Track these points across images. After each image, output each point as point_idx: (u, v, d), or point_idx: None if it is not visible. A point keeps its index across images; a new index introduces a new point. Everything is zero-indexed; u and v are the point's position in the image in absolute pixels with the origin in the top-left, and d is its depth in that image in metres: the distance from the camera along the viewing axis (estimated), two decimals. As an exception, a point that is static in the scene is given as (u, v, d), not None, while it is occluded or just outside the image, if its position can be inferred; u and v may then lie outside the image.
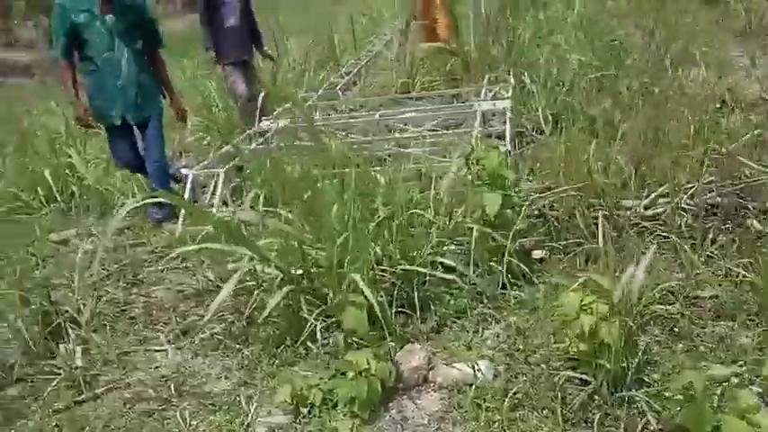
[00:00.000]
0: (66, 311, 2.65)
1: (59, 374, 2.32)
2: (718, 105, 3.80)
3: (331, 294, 2.22)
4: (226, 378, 2.25)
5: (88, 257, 3.40)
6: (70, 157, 4.73)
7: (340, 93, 5.70)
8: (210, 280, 2.89)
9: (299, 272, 2.26)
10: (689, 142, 3.23)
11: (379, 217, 2.37)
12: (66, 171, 4.69)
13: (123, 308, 2.90)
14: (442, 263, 2.40)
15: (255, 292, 2.32)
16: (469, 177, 2.46)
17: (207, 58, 5.10)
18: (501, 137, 3.85)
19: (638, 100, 3.99)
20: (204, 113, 5.53)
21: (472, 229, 2.34)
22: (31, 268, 3.53)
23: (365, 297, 2.03)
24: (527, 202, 2.55)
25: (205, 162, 3.92)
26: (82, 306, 2.64)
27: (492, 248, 2.39)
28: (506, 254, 2.32)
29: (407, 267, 2.29)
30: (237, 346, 2.38)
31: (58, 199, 4.51)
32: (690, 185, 2.69)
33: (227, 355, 2.37)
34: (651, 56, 4.76)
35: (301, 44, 8.21)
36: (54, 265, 3.52)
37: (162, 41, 3.93)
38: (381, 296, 2.18)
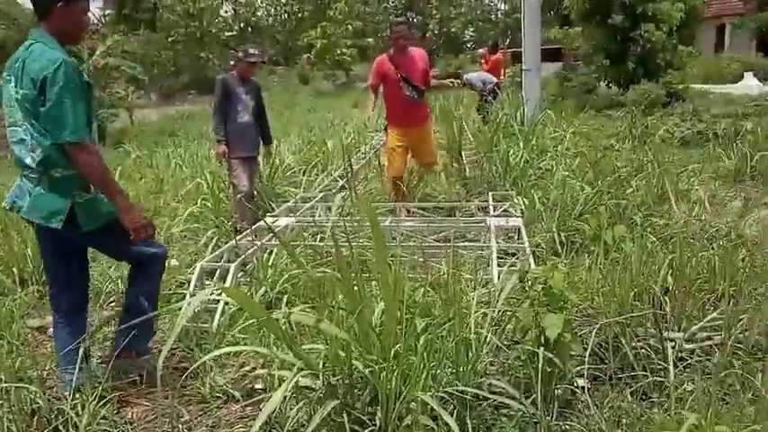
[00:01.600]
0: (61, 411, 2.33)
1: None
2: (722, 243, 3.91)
3: (381, 414, 2.02)
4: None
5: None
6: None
7: (339, 197, 5.67)
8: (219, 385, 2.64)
9: (346, 384, 2.06)
10: (709, 277, 3.28)
11: (430, 329, 2.22)
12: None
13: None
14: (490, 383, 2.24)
15: (297, 406, 2.09)
16: (524, 295, 2.36)
17: (218, 150, 5.10)
18: (515, 254, 3.84)
19: (648, 231, 4.09)
20: (200, 203, 5.38)
21: (528, 350, 2.22)
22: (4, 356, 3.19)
23: (433, 420, 1.84)
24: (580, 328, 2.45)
25: (214, 255, 3.74)
26: (80, 408, 2.33)
27: (546, 374, 2.25)
28: (564, 381, 2.19)
29: (462, 388, 2.12)
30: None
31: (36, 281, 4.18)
32: (735, 320, 2.65)
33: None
34: (650, 189, 4.96)
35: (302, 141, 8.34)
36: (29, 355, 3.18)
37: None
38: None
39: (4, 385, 2.36)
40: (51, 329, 3.57)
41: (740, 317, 2.64)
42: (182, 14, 27.27)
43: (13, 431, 2.26)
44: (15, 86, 2.37)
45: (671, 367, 2.12)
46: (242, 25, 34.51)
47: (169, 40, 28.70)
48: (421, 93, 5.48)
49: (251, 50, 5.11)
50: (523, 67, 9.67)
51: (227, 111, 5.00)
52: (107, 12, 36.84)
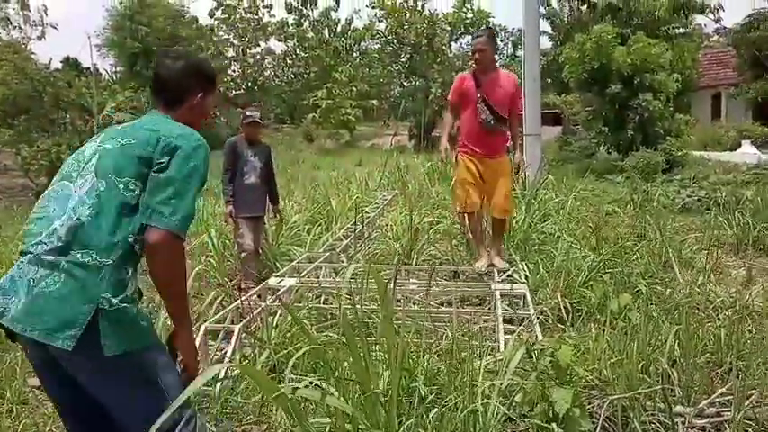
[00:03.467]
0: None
1: None
2: (728, 314, 3.91)
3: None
4: None
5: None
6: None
7: (344, 257, 5.71)
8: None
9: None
10: (716, 349, 3.27)
11: (438, 400, 2.20)
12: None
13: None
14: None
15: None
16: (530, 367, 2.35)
17: (225, 210, 5.22)
18: (521, 321, 3.83)
19: (653, 300, 4.10)
20: (204, 260, 5.41)
21: (537, 424, 2.19)
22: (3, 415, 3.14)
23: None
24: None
25: (218, 316, 3.73)
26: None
27: (555, 449, 2.21)
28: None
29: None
30: None
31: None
32: (745, 396, 2.62)
33: None
34: (653, 256, 4.99)
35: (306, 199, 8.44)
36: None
37: None
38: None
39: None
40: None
41: (749, 392, 2.61)
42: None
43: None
44: (111, 140, 1.82)
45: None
46: (249, 84, 35.36)
47: (178, 97, 29.43)
48: (499, 120, 4.91)
49: (248, 112, 5.26)
50: (525, 133, 9.86)
51: (235, 172, 5.13)
52: (118, 68, 37.96)
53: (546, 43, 21.34)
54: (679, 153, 13.06)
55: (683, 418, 2.61)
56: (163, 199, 1.67)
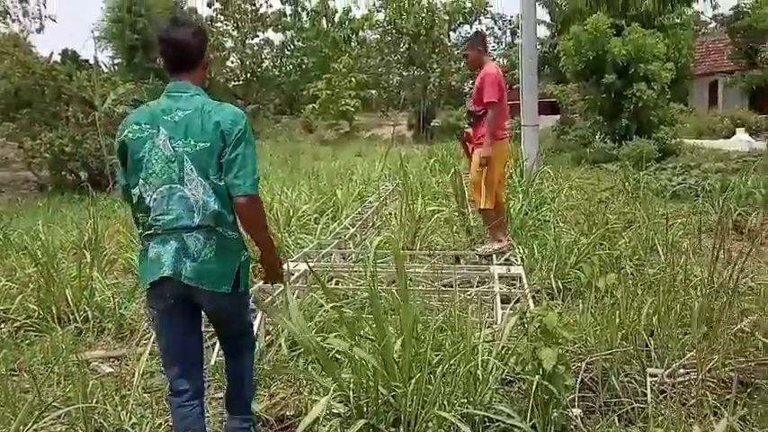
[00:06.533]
0: None
1: None
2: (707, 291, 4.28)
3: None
4: None
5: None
6: (92, 279, 4.83)
7: (351, 244, 6.09)
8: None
9: (372, 407, 2.42)
10: (690, 321, 3.65)
11: (444, 362, 2.59)
12: (84, 293, 4.74)
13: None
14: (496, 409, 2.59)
15: (329, 424, 2.44)
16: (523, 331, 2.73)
17: None
18: (518, 299, 4.21)
19: (637, 279, 4.48)
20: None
21: (527, 379, 2.58)
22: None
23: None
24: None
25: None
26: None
27: (544, 402, 2.60)
28: (559, 408, 2.54)
29: (472, 411, 2.47)
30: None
31: (76, 319, 4.53)
32: (709, 359, 3.01)
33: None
34: (640, 240, 5.37)
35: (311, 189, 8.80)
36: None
37: None
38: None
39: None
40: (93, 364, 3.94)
41: (712, 357, 3.00)
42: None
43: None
44: (182, 141, 2.27)
45: (649, 397, 2.47)
46: (248, 75, 35.62)
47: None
48: (470, 113, 5.54)
49: None
50: (522, 123, 10.22)
51: None
52: (116, 60, 38.10)
53: (545, 32, 21.62)
54: (672, 141, 13.43)
55: (656, 378, 2.99)
56: (236, 174, 2.26)
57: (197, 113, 2.29)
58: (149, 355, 3.62)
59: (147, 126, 2.30)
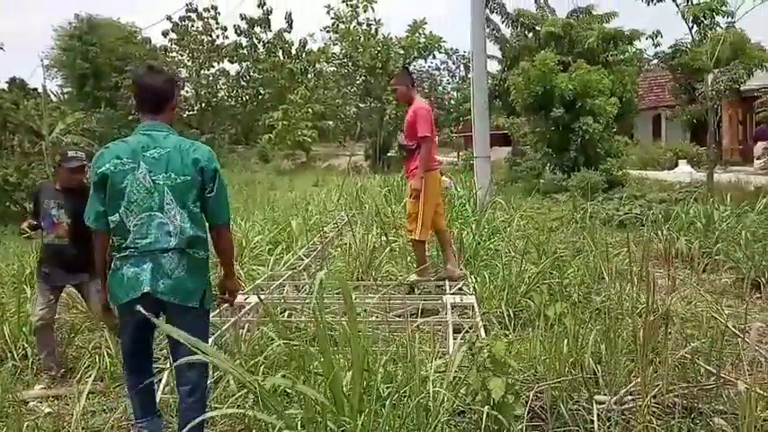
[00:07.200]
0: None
1: None
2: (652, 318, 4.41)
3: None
4: None
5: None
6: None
7: (305, 275, 6.03)
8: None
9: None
10: (635, 348, 3.74)
11: (395, 394, 2.57)
12: (24, 329, 4.53)
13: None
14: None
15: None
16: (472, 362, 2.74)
17: None
18: (470, 329, 4.24)
19: (585, 307, 4.58)
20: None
21: (477, 410, 2.58)
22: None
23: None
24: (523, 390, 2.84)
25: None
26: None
27: (494, 431, 2.61)
28: (509, 437, 2.54)
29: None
30: None
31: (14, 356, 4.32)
32: (653, 386, 3.08)
33: None
34: (588, 269, 5.50)
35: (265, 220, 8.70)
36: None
37: None
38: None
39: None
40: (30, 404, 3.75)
41: (656, 383, 3.07)
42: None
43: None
44: (163, 174, 2.58)
45: (596, 425, 2.51)
46: (203, 105, 35.34)
47: (129, 118, 29.13)
48: (403, 147, 5.72)
49: (70, 153, 4.22)
50: (475, 155, 10.43)
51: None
52: (66, 89, 37.29)
53: (496, 67, 22.22)
54: (618, 173, 13.89)
55: (603, 406, 3.04)
56: (217, 206, 2.70)
57: (176, 151, 2.62)
58: (90, 393, 3.48)
59: (129, 160, 2.60)
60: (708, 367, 3.29)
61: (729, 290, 5.63)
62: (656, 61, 22.63)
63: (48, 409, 3.61)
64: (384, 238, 6.84)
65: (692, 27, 11.37)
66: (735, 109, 22.77)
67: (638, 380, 3.21)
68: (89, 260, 3.37)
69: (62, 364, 4.18)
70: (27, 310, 4.66)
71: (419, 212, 5.41)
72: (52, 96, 29.01)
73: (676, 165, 20.71)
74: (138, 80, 2.76)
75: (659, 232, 7.33)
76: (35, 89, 28.77)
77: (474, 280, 5.34)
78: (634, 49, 18.88)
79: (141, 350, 2.84)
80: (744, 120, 23.44)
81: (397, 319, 4.57)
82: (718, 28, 11.71)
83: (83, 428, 3.22)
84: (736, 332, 3.89)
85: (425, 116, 5.39)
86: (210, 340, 3.81)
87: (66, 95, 34.95)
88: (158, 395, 3.26)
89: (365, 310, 4.61)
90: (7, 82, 29.63)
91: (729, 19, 11.67)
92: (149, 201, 2.58)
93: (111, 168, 2.59)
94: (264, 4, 32.01)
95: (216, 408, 3.22)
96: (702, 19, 11.06)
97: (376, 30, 28.17)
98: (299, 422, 2.46)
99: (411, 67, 29.63)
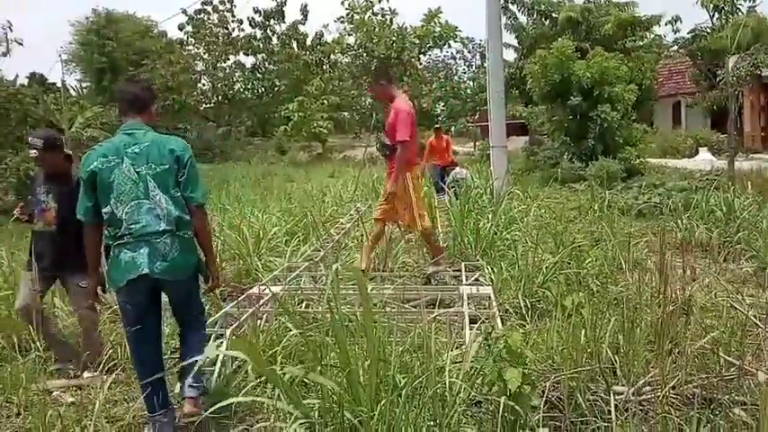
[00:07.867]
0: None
1: None
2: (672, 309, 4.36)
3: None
4: None
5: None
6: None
7: (322, 266, 6.06)
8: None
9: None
10: (654, 338, 3.71)
11: (409, 384, 2.58)
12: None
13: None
14: (464, 432, 2.58)
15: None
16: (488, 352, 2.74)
17: None
18: (486, 319, 4.23)
19: (603, 297, 4.54)
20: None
21: (493, 400, 2.58)
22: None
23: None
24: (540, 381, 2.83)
25: (209, 321, 4.04)
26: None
27: (510, 421, 2.61)
28: (526, 429, 2.54)
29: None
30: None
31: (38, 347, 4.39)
32: (672, 376, 3.05)
33: None
34: (606, 258, 5.45)
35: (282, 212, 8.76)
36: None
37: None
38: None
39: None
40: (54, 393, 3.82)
41: (675, 373, 3.04)
42: (160, 87, 28.07)
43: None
44: (145, 165, 2.94)
45: (614, 416, 2.50)
46: (219, 98, 35.49)
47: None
48: (385, 146, 5.57)
49: (30, 139, 4.11)
50: (491, 145, 10.36)
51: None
52: (84, 84, 37.62)
53: (512, 55, 21.99)
54: (637, 161, 13.72)
55: (621, 396, 3.02)
56: (192, 188, 3.05)
57: (154, 145, 3.01)
58: (112, 383, 3.54)
59: (114, 157, 2.96)
60: (728, 357, 3.26)
61: (750, 279, 5.55)
62: (675, 47, 22.35)
63: (71, 399, 3.68)
64: (399, 229, 6.83)
65: (713, 15, 11.18)
66: (756, 95, 22.32)
67: (657, 370, 3.19)
68: (73, 252, 3.57)
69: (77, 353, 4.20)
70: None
71: (411, 207, 5.50)
72: (71, 91, 29.36)
73: (697, 152, 20.41)
74: (120, 88, 3.33)
75: (679, 221, 7.24)
76: (54, 84, 29.15)
77: (491, 270, 5.32)
78: (653, 36, 18.62)
79: (145, 337, 3.06)
80: (766, 106, 22.99)
81: (414, 309, 4.57)
82: (739, 13, 11.49)
83: (105, 418, 3.27)
84: (757, 322, 3.84)
85: (405, 119, 5.30)
86: (228, 331, 3.87)
87: (85, 90, 35.25)
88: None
89: (381, 301, 4.63)
90: (27, 77, 30.04)
91: (751, 3, 11.45)
92: (136, 190, 2.92)
93: (99, 166, 2.94)
94: (278, -5, 32.01)
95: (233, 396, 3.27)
96: (723, 5, 10.86)
97: (391, 20, 28.01)
98: (317, 412, 2.48)
99: (425, 57, 29.53)
